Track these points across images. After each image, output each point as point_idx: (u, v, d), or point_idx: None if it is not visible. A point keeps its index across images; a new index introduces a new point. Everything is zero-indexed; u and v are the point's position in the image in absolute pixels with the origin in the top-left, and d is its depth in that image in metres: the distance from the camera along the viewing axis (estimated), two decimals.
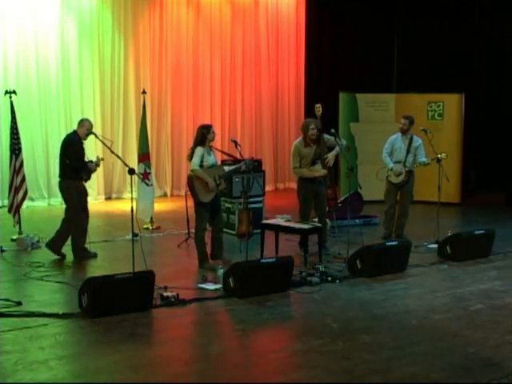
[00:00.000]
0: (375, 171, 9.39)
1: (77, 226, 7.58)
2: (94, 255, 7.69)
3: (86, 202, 7.74)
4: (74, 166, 7.41)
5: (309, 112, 14.51)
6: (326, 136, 7.92)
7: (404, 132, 8.86)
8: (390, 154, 8.88)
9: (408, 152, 8.80)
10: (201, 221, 7.29)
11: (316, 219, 8.17)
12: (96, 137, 7.69)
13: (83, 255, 7.60)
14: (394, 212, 8.95)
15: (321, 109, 8.03)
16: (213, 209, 7.35)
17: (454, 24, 14.06)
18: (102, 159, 7.87)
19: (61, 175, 7.59)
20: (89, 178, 7.64)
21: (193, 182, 7.14)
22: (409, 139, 8.83)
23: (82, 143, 7.54)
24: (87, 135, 7.60)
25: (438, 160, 8.46)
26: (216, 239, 7.52)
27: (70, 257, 7.62)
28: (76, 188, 7.51)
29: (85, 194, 7.72)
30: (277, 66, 14.80)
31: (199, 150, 7.16)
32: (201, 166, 7.14)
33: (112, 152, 7.38)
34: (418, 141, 8.89)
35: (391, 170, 8.81)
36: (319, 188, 7.97)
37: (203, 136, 7.20)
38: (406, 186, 8.85)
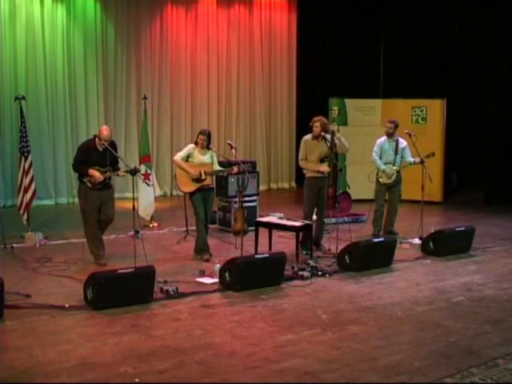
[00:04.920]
0: (363, 171, 9.38)
1: (85, 229, 7.28)
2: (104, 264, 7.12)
3: (99, 212, 7.11)
4: (73, 168, 7.31)
5: (300, 116, 14.60)
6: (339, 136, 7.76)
7: (390, 135, 8.86)
8: (379, 157, 8.87)
9: (396, 153, 8.82)
10: (197, 213, 7.50)
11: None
12: (99, 140, 7.65)
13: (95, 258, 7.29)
14: (383, 211, 8.94)
15: (337, 112, 7.90)
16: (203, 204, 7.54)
17: (436, 35, 14.12)
18: (137, 171, 6.81)
19: None
20: (95, 184, 7.01)
21: (175, 175, 7.61)
22: (395, 141, 8.85)
23: (93, 149, 7.08)
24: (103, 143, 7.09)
25: (422, 162, 8.49)
26: None
27: (76, 253, 7.62)
28: (83, 192, 7.14)
29: (95, 202, 7.04)
30: (270, 74, 14.78)
31: (188, 147, 7.68)
32: (186, 161, 7.49)
33: (115, 154, 7.35)
34: (403, 142, 8.90)
35: (383, 171, 8.79)
36: (323, 185, 7.82)
37: (196, 138, 7.61)
38: (396, 185, 8.85)
